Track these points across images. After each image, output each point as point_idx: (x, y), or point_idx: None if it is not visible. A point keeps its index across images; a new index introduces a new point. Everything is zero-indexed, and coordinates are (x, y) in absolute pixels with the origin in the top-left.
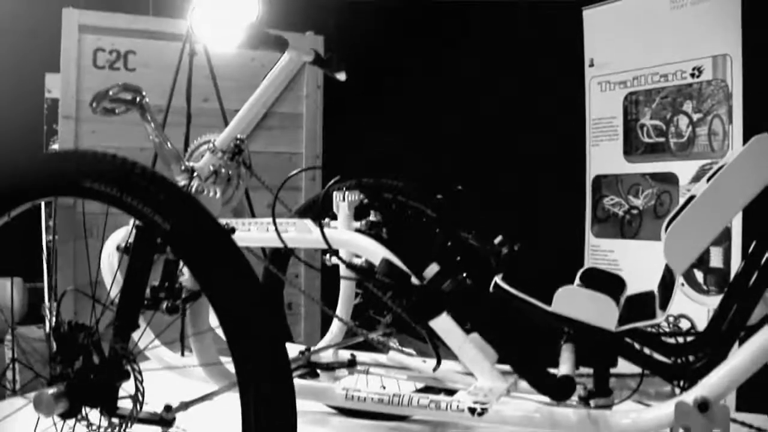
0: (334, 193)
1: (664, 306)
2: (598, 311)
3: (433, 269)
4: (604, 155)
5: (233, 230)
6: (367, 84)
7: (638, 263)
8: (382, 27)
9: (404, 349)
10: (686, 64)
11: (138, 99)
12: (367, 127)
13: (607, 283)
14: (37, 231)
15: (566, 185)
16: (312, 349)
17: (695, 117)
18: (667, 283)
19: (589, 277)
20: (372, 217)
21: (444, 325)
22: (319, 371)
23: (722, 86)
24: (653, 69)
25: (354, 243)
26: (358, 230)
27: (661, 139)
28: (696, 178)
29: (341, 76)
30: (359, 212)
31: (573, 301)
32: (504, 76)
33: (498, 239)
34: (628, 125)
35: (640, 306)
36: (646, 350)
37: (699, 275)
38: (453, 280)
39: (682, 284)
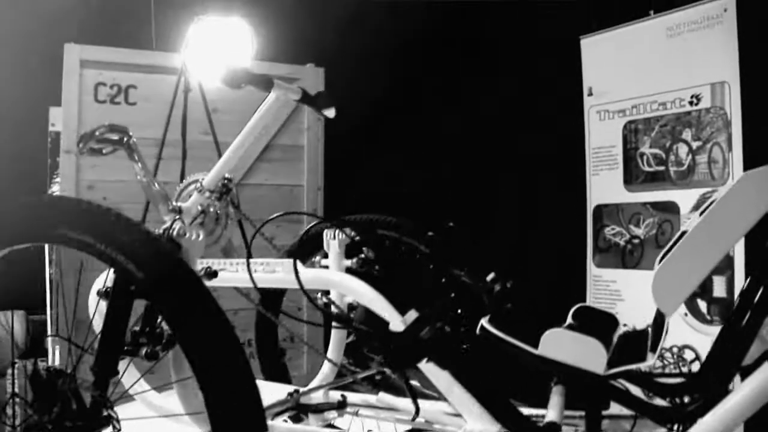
0: (325, 231)
1: (654, 348)
2: (586, 354)
3: (411, 316)
4: (604, 184)
5: (215, 273)
6: (368, 110)
7: (640, 293)
8: (383, 40)
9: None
10: (685, 92)
11: (125, 139)
12: (369, 156)
13: (599, 321)
14: (42, 263)
15: (568, 213)
16: (301, 390)
17: (695, 145)
18: (658, 324)
19: (581, 316)
20: (364, 254)
21: (431, 366)
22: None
23: (721, 114)
24: (652, 97)
25: (343, 285)
26: (349, 269)
27: (661, 168)
28: (696, 207)
29: (330, 113)
30: (351, 250)
31: (560, 345)
32: (504, 84)
33: (490, 276)
34: (628, 154)
35: (634, 345)
36: (640, 391)
37: (702, 305)
38: (431, 328)
39: (685, 314)
